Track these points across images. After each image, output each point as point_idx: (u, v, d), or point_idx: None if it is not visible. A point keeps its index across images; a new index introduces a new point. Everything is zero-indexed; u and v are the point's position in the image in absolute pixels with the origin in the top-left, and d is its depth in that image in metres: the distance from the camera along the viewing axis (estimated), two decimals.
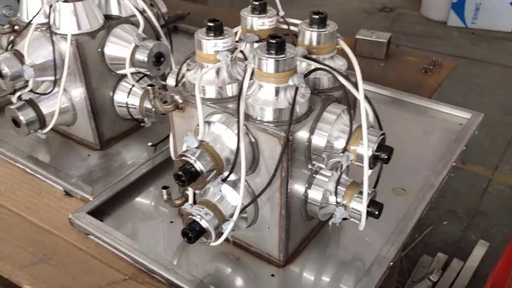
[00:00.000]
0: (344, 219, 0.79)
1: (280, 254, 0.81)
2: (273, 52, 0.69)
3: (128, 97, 1.09)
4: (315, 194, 0.78)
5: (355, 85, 0.74)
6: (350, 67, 0.78)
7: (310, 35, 0.77)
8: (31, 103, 1.04)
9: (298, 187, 0.77)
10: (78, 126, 1.11)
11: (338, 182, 0.78)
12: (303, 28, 0.78)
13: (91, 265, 0.83)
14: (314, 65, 0.76)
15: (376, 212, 0.77)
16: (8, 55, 0.98)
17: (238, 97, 0.70)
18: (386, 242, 0.84)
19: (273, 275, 0.81)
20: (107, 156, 1.11)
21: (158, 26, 1.12)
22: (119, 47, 1.03)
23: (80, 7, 0.99)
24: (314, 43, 0.78)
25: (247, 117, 0.72)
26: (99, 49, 1.02)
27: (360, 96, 0.74)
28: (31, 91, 1.03)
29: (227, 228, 0.74)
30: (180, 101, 0.78)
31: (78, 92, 1.04)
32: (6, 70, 0.97)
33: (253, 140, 0.72)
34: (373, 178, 0.80)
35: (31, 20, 1.00)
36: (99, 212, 0.93)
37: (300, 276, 0.82)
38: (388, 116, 0.87)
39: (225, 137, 0.72)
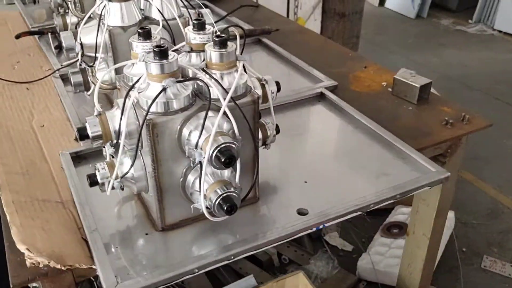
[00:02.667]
0: (207, 208, 0.96)
1: (158, 219, 1.01)
2: (157, 58, 0.90)
3: None
4: (188, 179, 0.97)
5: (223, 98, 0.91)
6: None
7: (210, 54, 0.96)
8: (82, 71, 1.42)
9: (171, 168, 0.96)
10: None
11: (201, 173, 0.94)
12: (207, 48, 0.96)
13: None
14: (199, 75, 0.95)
15: (225, 207, 0.92)
16: (69, 33, 1.38)
17: (128, 91, 0.94)
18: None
19: (146, 234, 1.02)
20: None
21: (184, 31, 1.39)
22: None
23: (118, 6, 1.32)
24: (214, 60, 0.96)
25: (139, 106, 0.94)
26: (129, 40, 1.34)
27: (223, 106, 0.90)
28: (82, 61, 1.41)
29: (111, 182, 0.98)
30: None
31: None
32: (64, 43, 1.37)
33: (137, 123, 0.95)
34: None
35: (90, 12, 1.37)
36: None
37: (168, 241, 1.01)
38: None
39: (118, 117, 0.95)
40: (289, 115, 1.47)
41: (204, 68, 0.97)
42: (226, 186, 0.94)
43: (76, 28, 1.45)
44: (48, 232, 0.98)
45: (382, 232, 2.56)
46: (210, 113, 0.92)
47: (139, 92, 0.93)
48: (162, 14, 1.34)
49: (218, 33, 0.99)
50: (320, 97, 1.53)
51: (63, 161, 1.20)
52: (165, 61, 0.90)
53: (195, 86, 0.97)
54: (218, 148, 0.88)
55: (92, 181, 0.99)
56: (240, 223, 1.05)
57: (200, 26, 1.04)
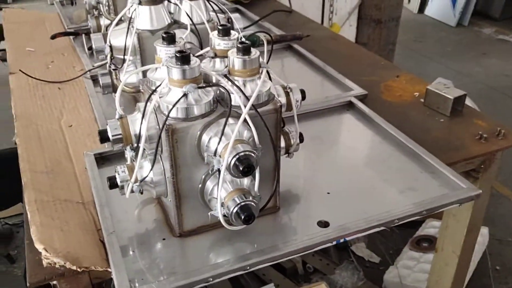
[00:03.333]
0: (224, 216, 0.94)
1: (175, 225, 1.01)
2: (179, 63, 0.89)
3: None
4: (207, 186, 0.96)
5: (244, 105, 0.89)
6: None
7: (232, 60, 0.94)
8: (111, 72, 1.43)
9: (190, 174, 0.95)
10: None
11: (219, 181, 0.93)
12: (230, 54, 0.95)
13: None
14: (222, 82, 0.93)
15: (242, 217, 0.90)
16: (99, 35, 1.40)
17: (149, 95, 0.94)
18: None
19: (164, 239, 1.02)
20: None
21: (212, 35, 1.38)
22: None
23: (148, 9, 1.33)
24: (236, 67, 0.94)
25: (159, 111, 0.94)
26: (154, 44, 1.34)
27: (243, 113, 0.88)
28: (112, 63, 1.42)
29: (130, 186, 0.98)
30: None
31: None
32: (93, 45, 1.39)
33: (157, 127, 0.94)
34: None
35: (121, 15, 1.38)
36: None
37: (185, 247, 1.00)
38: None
39: (139, 121, 0.95)
40: (316, 123, 1.44)
41: (227, 75, 0.95)
42: (245, 195, 0.93)
43: (107, 30, 1.47)
44: (66, 232, 0.99)
45: (411, 245, 2.49)
46: (231, 120, 0.91)
47: (160, 97, 0.93)
48: (190, 18, 1.34)
49: (243, 39, 0.97)
50: (349, 106, 1.49)
51: (86, 161, 1.21)
52: (186, 66, 0.89)
53: (217, 93, 0.96)
54: (237, 157, 0.86)
55: (112, 183, 0.99)
56: (259, 232, 1.03)
57: (225, 31, 1.03)
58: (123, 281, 0.88)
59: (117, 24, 1.38)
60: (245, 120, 0.91)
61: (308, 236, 1.00)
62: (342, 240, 1.00)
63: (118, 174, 0.99)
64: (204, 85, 0.92)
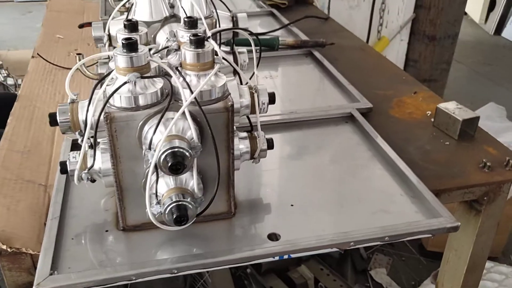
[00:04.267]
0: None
1: (119, 218, 0.98)
2: (125, 50, 0.87)
3: None
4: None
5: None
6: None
7: (184, 53, 0.90)
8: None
9: (132, 167, 0.92)
10: None
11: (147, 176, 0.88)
12: (182, 47, 0.91)
13: None
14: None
15: (174, 216, 0.85)
16: (100, 24, 1.40)
17: (98, 82, 0.92)
18: None
19: (107, 231, 0.99)
20: None
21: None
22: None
23: (145, 1, 1.31)
24: (188, 60, 0.90)
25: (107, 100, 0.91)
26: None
27: (182, 107, 0.84)
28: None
29: (76, 173, 0.96)
30: None
31: None
32: (93, 33, 1.40)
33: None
34: None
35: (122, 4, 1.39)
36: None
37: (124, 242, 0.97)
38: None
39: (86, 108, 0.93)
40: (309, 133, 1.36)
41: (178, 67, 0.91)
42: (184, 195, 0.88)
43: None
44: (12, 212, 0.99)
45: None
46: (173, 115, 0.87)
47: (108, 85, 0.90)
48: (184, 11, 1.31)
49: (200, 33, 0.93)
50: (349, 118, 1.40)
51: (62, 145, 1.22)
52: (133, 54, 0.86)
53: (170, 86, 0.92)
54: (167, 152, 0.82)
55: (62, 168, 0.98)
56: (204, 237, 0.98)
57: (190, 23, 0.99)
58: (44, 267, 0.86)
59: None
60: (192, 116, 0.87)
61: (251, 247, 0.93)
62: (286, 256, 0.93)
63: (69, 160, 0.98)
64: (149, 75, 0.89)
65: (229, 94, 0.94)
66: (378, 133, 1.32)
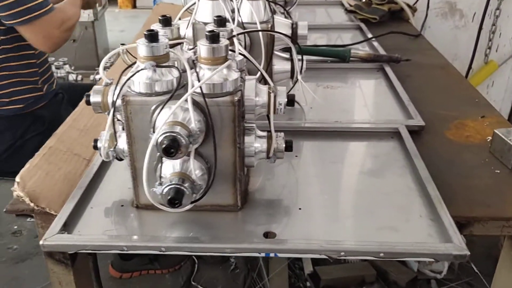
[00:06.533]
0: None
1: (133, 196, 1.06)
2: (147, 41, 0.94)
3: None
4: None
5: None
6: None
7: (199, 48, 0.95)
8: None
9: (145, 148, 0.99)
10: None
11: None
12: (198, 42, 0.96)
13: None
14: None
15: (168, 197, 0.92)
16: None
17: (126, 68, 1.01)
18: None
19: (122, 206, 1.07)
20: None
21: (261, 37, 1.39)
22: None
23: (207, 3, 1.40)
24: (202, 54, 0.95)
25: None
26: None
27: (186, 95, 0.89)
28: None
29: (102, 150, 1.07)
30: None
31: None
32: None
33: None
34: None
35: (187, 7, 1.49)
36: None
37: (134, 218, 1.04)
38: None
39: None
40: (348, 144, 1.34)
41: (194, 61, 0.97)
42: (184, 179, 0.94)
43: None
44: (49, 176, 1.12)
45: None
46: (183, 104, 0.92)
47: (131, 72, 0.99)
48: (239, 14, 1.38)
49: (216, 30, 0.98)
50: (395, 134, 1.35)
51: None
52: (153, 44, 0.94)
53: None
54: (164, 135, 0.88)
55: (94, 144, 1.09)
56: (205, 224, 1.02)
57: (219, 22, 1.05)
58: (56, 226, 0.97)
59: None
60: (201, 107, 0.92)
61: (240, 240, 0.95)
62: (272, 254, 0.93)
63: (100, 137, 1.08)
64: (165, 65, 0.96)
65: (240, 90, 0.97)
66: (423, 152, 1.26)
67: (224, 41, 0.95)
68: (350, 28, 2.34)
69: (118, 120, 1.08)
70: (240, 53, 1.03)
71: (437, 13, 2.80)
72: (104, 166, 1.20)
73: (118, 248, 0.94)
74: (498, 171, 1.21)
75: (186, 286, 2.60)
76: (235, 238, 0.97)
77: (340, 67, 1.83)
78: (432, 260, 0.92)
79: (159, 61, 0.95)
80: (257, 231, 0.99)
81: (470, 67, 2.84)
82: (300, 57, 1.41)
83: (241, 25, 1.37)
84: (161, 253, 0.94)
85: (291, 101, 1.04)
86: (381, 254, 0.91)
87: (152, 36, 0.94)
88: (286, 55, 1.49)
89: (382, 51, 1.93)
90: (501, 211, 1.08)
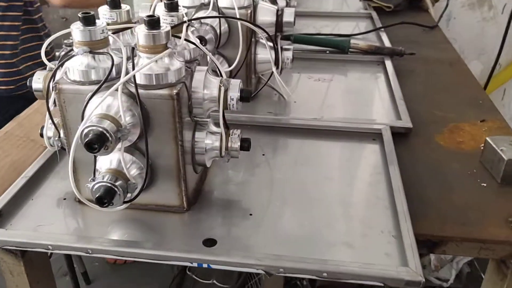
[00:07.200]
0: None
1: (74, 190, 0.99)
2: (82, 24, 0.86)
3: None
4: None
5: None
6: None
7: (137, 34, 0.86)
8: None
9: None
10: None
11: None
12: (137, 28, 0.87)
13: None
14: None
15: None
16: None
17: (65, 53, 0.93)
18: None
19: (64, 199, 1.01)
20: None
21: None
22: None
23: None
24: (140, 41, 0.86)
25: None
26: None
27: (116, 85, 0.81)
28: None
29: (46, 140, 1.00)
30: None
31: None
32: None
33: None
34: None
35: None
36: None
37: (69, 212, 0.98)
38: None
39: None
40: (325, 144, 1.23)
41: (134, 47, 0.89)
42: (117, 177, 0.86)
43: None
44: None
45: None
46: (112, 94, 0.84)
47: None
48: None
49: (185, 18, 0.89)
50: (378, 136, 1.23)
51: None
52: (89, 27, 0.86)
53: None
54: (87, 130, 0.80)
55: (40, 133, 1.03)
56: (146, 225, 0.94)
57: (170, 7, 0.95)
58: None
59: None
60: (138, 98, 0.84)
61: (174, 245, 0.88)
62: (205, 265, 0.85)
63: (44, 127, 1.02)
64: (100, 51, 0.87)
65: (184, 82, 0.88)
66: (406, 158, 1.14)
67: (165, 27, 0.86)
68: (360, 17, 2.19)
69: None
70: (187, 41, 0.94)
71: (463, 4, 2.61)
72: (60, 155, 1.13)
73: (42, 247, 0.88)
74: (485, 185, 1.08)
75: (181, 275, 2.56)
76: (170, 243, 0.89)
77: (338, 59, 1.70)
78: (381, 284, 0.81)
79: (95, 47, 0.87)
80: (197, 237, 0.91)
81: (496, 62, 2.63)
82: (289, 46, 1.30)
83: (216, 9, 1.27)
84: (88, 255, 0.87)
85: (245, 97, 0.94)
86: (324, 274, 0.81)
87: (87, 19, 0.86)
88: (271, 44, 1.39)
89: (387, 43, 1.79)
90: (478, 231, 0.95)
